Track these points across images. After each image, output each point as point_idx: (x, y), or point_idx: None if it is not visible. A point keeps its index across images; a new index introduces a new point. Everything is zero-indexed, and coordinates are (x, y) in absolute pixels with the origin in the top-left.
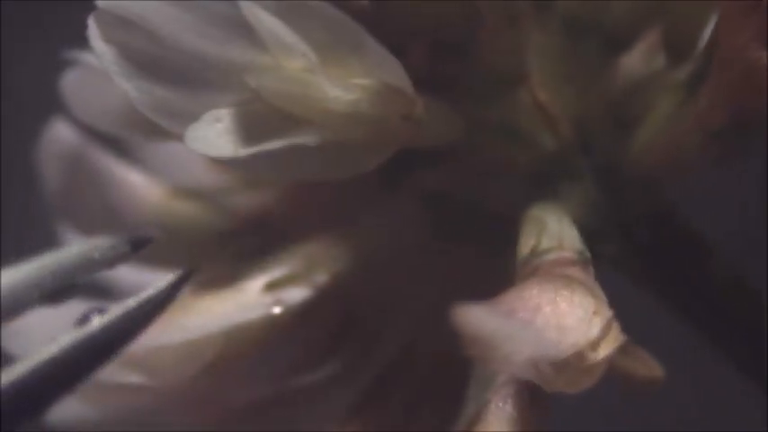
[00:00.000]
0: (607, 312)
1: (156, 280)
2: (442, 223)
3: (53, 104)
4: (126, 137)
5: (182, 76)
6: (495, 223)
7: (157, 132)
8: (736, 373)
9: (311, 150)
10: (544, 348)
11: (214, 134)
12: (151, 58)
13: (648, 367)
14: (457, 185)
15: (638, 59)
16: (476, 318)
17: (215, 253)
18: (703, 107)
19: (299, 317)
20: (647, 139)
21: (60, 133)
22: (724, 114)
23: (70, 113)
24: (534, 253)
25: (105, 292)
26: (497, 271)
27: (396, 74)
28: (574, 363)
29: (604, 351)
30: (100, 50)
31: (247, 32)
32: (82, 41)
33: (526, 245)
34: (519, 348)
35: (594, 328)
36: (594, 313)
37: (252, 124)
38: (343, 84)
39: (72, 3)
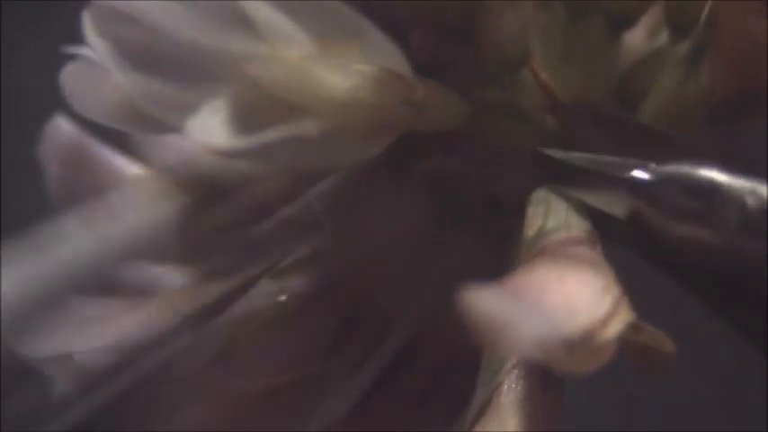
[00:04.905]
0: (616, 290)
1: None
2: (447, 209)
3: (55, 101)
4: (126, 130)
5: (178, 67)
6: (502, 207)
7: (156, 125)
8: (745, 345)
9: (312, 139)
10: (553, 329)
11: (213, 125)
12: (147, 51)
13: (660, 343)
14: (462, 171)
15: (641, 36)
16: (482, 301)
17: (216, 245)
18: (705, 83)
19: (306, 304)
20: (649, 118)
21: (61, 128)
22: (726, 90)
23: (70, 108)
24: (541, 233)
25: (108, 290)
26: (505, 255)
27: (394, 59)
28: (584, 342)
29: (614, 329)
30: (95, 44)
31: (244, 22)
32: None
33: (532, 226)
34: (527, 330)
35: (604, 307)
36: (603, 291)
37: (251, 114)
38: (341, 71)
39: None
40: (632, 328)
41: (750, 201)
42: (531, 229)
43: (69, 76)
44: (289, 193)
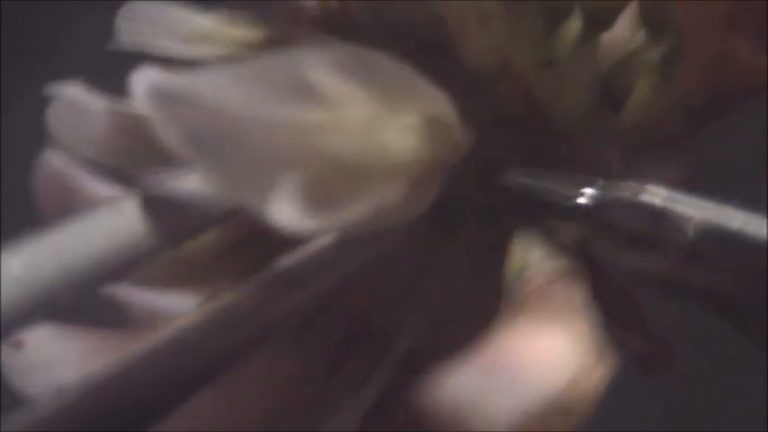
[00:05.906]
0: (592, 338)
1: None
2: (440, 217)
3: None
4: (111, 165)
5: (245, 145)
6: (496, 209)
7: (140, 161)
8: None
9: (387, 207)
10: (529, 393)
11: (287, 207)
12: (212, 132)
13: (665, 347)
14: (458, 181)
15: (624, 27)
16: (448, 383)
17: (216, 268)
18: (680, 88)
19: (304, 325)
20: (630, 120)
21: (50, 162)
22: (702, 98)
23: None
24: (523, 270)
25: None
26: (501, 257)
27: (438, 103)
28: (563, 401)
29: (592, 381)
30: (167, 134)
31: (304, 90)
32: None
33: (516, 260)
34: (503, 401)
35: (580, 360)
36: (579, 343)
37: (323, 187)
38: (399, 129)
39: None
40: (639, 334)
41: (695, 220)
42: (514, 265)
43: (54, 114)
44: None
